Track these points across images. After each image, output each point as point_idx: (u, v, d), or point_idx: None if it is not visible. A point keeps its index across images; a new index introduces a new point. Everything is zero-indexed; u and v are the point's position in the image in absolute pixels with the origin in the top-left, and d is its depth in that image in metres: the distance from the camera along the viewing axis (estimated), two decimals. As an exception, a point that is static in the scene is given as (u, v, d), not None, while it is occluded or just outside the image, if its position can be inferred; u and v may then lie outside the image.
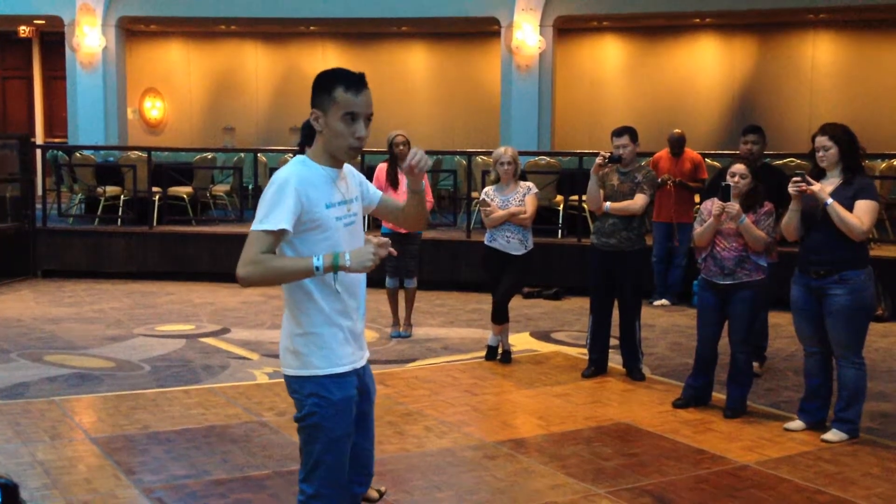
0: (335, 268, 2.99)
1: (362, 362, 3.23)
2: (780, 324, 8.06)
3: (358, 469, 3.28)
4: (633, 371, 6.85)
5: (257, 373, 7.01)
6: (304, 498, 3.15)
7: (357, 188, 3.27)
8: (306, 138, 3.94)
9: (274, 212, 3.00)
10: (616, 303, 6.90)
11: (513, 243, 7.11)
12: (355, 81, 3.08)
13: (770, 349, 7.33)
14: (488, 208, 7.13)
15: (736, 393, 5.98)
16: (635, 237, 6.73)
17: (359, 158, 11.15)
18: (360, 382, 3.20)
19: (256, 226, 3.02)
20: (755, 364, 7.14)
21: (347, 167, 3.25)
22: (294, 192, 3.00)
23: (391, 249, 3.09)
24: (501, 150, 7.26)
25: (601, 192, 6.72)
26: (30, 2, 15.48)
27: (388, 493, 4.58)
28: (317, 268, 2.97)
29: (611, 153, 6.64)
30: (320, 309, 3.09)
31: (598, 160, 6.59)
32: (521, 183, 7.23)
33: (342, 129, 3.06)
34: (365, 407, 3.26)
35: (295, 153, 4.07)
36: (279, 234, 3.01)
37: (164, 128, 17.78)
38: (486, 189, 7.38)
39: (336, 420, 3.09)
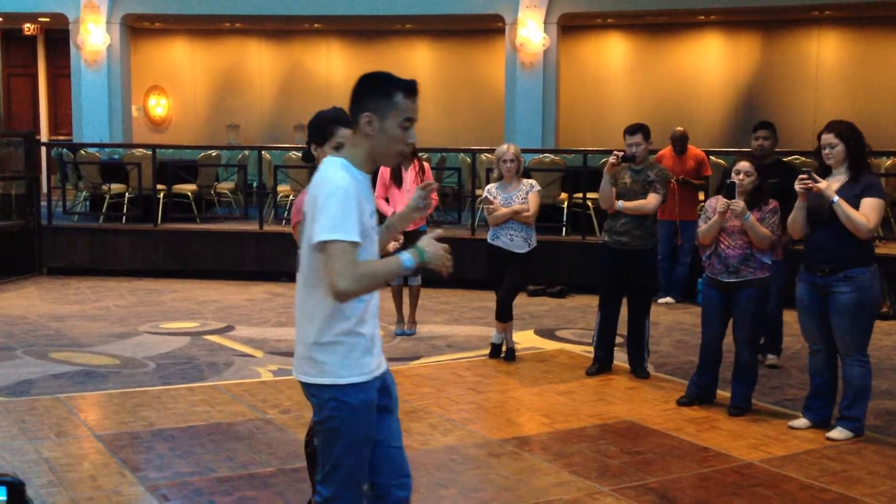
0: (421, 265, 2.97)
1: (382, 369, 3.16)
2: (786, 321, 8.01)
3: (392, 471, 3.20)
4: (638, 369, 6.84)
5: (262, 370, 7.01)
6: (321, 500, 3.12)
7: None
8: (314, 136, 3.94)
9: (348, 222, 2.90)
10: (625, 301, 6.89)
11: (516, 241, 7.10)
12: (413, 88, 3.05)
13: (775, 347, 7.33)
14: (491, 206, 7.12)
15: (740, 391, 5.97)
16: (647, 235, 6.72)
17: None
18: (380, 382, 3.14)
19: (336, 235, 2.88)
20: (772, 357, 7.15)
21: None
22: (356, 202, 2.93)
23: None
24: (504, 147, 7.25)
25: (613, 190, 6.71)
26: (34, -1, 15.51)
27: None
28: (408, 267, 2.96)
29: (624, 152, 6.63)
30: (345, 317, 3.01)
31: (612, 159, 6.56)
32: (524, 180, 7.23)
33: (399, 134, 3.02)
34: (386, 402, 3.18)
35: (304, 151, 4.06)
36: (357, 246, 2.92)
37: (168, 125, 17.78)
38: (488, 187, 7.38)
39: (355, 424, 3.04)
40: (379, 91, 3.02)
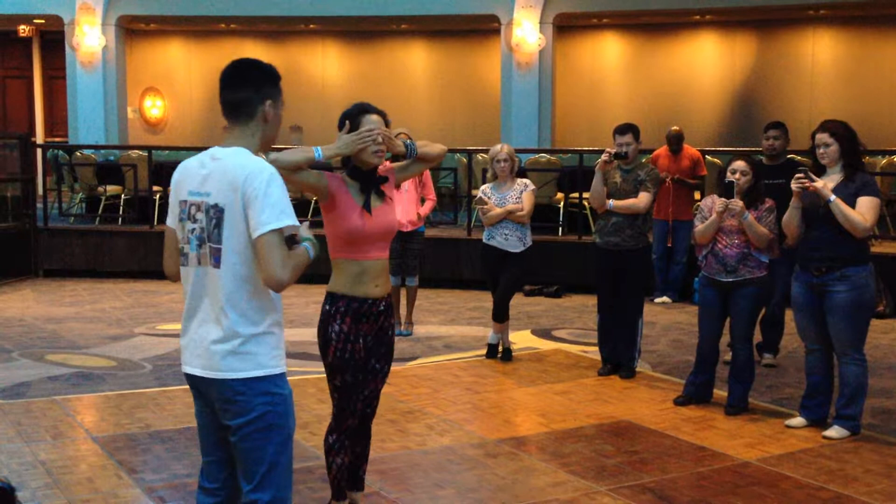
0: (317, 253, 3.05)
1: None
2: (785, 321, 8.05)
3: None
4: (624, 368, 6.81)
5: (258, 371, 7.00)
6: None
7: None
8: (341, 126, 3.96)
9: (289, 208, 2.92)
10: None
11: (511, 241, 7.10)
12: None
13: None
14: (485, 206, 7.13)
15: (737, 390, 5.98)
16: (639, 235, 6.72)
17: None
18: None
19: (280, 223, 2.88)
20: (768, 356, 7.14)
21: None
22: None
23: None
24: (497, 147, 7.26)
25: (604, 189, 6.70)
26: (30, 1, 15.46)
27: (390, 490, 4.58)
28: (310, 258, 3.00)
29: (616, 150, 6.63)
30: (276, 309, 3.05)
31: (604, 157, 6.56)
32: (518, 180, 7.24)
33: (280, 117, 3.13)
34: None
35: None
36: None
37: (164, 127, 17.76)
38: (482, 187, 7.39)
39: (288, 416, 3.03)
40: (271, 79, 3.10)
